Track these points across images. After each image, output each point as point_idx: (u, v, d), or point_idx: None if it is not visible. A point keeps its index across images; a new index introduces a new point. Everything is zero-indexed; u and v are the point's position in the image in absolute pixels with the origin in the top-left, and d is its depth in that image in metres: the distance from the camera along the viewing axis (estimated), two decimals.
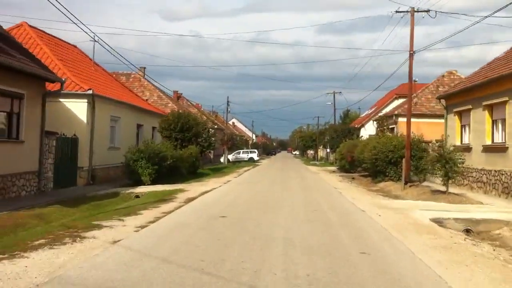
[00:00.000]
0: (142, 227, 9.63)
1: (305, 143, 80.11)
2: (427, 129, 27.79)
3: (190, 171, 30.98)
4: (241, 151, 57.99)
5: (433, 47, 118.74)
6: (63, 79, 18.94)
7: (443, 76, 36.49)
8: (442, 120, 30.33)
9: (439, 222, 11.66)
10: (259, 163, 54.75)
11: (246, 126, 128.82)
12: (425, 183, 22.97)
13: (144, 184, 22.18)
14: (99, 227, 9.49)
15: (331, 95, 56.25)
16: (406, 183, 21.47)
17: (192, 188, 20.34)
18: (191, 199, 15.47)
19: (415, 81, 35.60)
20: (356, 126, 47.99)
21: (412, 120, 23.64)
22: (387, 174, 24.15)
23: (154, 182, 22.58)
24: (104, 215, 11.42)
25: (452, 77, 35.86)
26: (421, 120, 31.35)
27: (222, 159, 51.74)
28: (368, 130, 44.22)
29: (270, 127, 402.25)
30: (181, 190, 18.69)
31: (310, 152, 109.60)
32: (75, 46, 30.27)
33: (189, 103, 61.40)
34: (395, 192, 21.09)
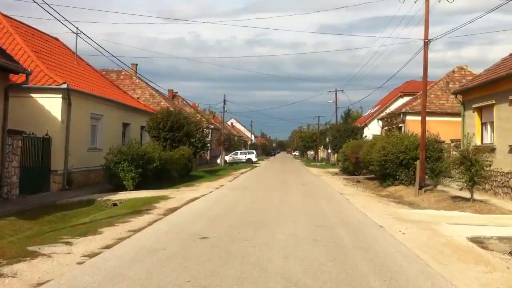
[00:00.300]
0: (92, 255, 7.14)
1: (305, 144, 77.68)
2: (438, 128, 25.23)
3: (182, 173, 28.58)
4: (239, 152, 55.51)
5: (433, 47, 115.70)
6: (29, 71, 16.44)
7: (453, 71, 33.97)
8: (454, 119, 27.91)
9: (479, 242, 9.18)
10: (257, 165, 52.28)
11: (245, 127, 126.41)
12: (439, 187, 20.54)
13: (126, 190, 19.71)
14: (33, 255, 7.01)
15: (332, 94, 53.78)
16: (420, 187, 19.01)
17: (179, 194, 17.86)
18: (172, 209, 12.99)
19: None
20: (359, 125, 45.53)
21: (420, 118, 21.12)
22: (397, 177, 21.70)
23: (138, 187, 20.12)
24: (52, 235, 8.93)
25: (463, 72, 33.38)
26: (431, 118, 28.70)
27: (218, 160, 49.27)
28: (372, 130, 41.79)
29: (270, 127, 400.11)
30: (165, 198, 16.19)
31: (310, 152, 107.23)
32: (56, 39, 27.79)
33: (184, 102, 58.95)
34: (408, 198, 18.65)
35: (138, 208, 13.30)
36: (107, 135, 24.26)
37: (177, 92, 60.77)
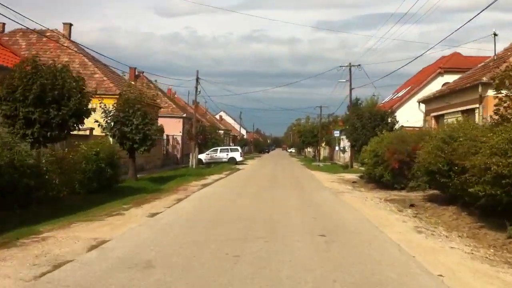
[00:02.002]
0: None
1: (304, 139, 64.31)
2: None
3: (97, 187, 15.52)
4: (219, 148, 42.04)
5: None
6: None
7: None
8: None
9: None
10: (241, 166, 38.82)
11: (235, 120, 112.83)
12: None
13: None
14: None
15: (342, 74, 40.22)
16: None
17: None
18: None
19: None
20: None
21: None
22: None
23: None
24: None
25: None
26: None
27: (191, 159, 35.92)
28: (406, 116, 28.53)
29: (267, 125, 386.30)
30: None
31: (308, 150, 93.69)
32: None
33: (151, 84, 45.36)
34: None
35: None
36: None
37: (143, 72, 47.18)
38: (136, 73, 45.97)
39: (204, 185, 18.99)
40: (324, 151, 66.68)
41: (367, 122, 24.98)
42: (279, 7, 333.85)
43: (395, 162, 18.36)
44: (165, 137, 39.41)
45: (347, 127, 25.99)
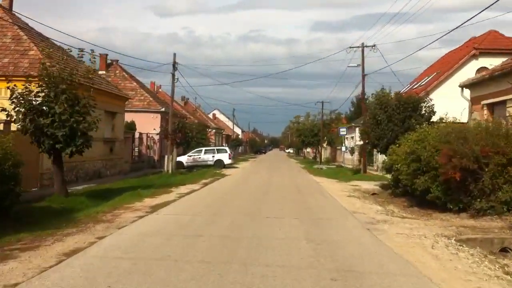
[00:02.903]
0: None
1: (303, 139, 57.53)
2: None
3: None
4: (203, 149, 35.15)
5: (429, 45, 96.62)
6: None
7: None
8: None
9: None
10: (229, 171, 31.94)
11: (231, 121, 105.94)
12: None
13: None
14: None
15: (353, 55, 33.25)
16: None
17: None
18: None
19: None
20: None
21: None
22: None
23: None
24: None
25: None
26: None
27: (166, 162, 29.00)
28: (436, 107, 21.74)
29: (264, 124, 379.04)
30: None
31: (307, 150, 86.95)
32: None
33: (125, 74, 38.51)
34: None
35: None
36: None
37: (117, 61, 40.32)
38: (109, 60, 39.15)
39: (154, 208, 12.01)
40: (325, 152, 59.98)
41: (394, 113, 18.15)
42: (276, 7, 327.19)
43: (455, 171, 11.63)
44: (137, 135, 32.69)
45: (362, 122, 18.81)
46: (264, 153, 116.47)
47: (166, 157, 29.16)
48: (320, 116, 57.72)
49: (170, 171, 28.64)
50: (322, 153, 56.37)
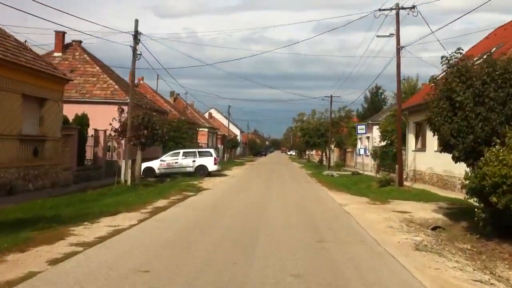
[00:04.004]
0: None
1: (308, 139, 49.14)
2: None
3: None
4: (181, 152, 26.65)
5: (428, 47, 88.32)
6: None
7: None
8: None
9: None
10: (213, 181, 23.28)
11: (232, 122, 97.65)
12: None
13: None
14: None
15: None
16: None
17: None
18: None
19: None
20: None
21: None
22: None
23: None
24: None
25: None
26: None
27: (123, 170, 20.48)
28: None
29: (266, 124, 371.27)
30: None
31: (311, 153, 78.56)
32: None
33: (86, 56, 30.16)
34: None
35: None
36: None
37: (80, 41, 32.10)
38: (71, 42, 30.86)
39: None
40: (332, 155, 51.49)
41: (486, 89, 9.76)
42: (278, 8, 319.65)
43: None
44: (91, 132, 24.46)
45: (435, 107, 10.19)
46: (265, 155, 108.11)
47: (123, 162, 20.82)
48: (328, 114, 49.42)
49: (128, 181, 20.34)
50: (332, 156, 47.98)
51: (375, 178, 26.79)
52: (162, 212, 11.67)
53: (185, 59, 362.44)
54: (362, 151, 28.72)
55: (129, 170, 20.58)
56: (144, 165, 25.79)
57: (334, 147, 50.46)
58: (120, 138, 20.79)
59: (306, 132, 49.65)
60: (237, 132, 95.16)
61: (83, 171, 22.31)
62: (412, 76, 30.27)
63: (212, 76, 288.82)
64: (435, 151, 23.49)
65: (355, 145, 45.24)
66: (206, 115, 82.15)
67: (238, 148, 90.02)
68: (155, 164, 25.82)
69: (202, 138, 53.75)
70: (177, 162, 26.04)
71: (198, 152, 26.77)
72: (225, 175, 28.54)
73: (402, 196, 16.63)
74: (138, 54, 21.66)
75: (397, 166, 20.09)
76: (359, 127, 28.94)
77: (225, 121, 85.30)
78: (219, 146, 65.18)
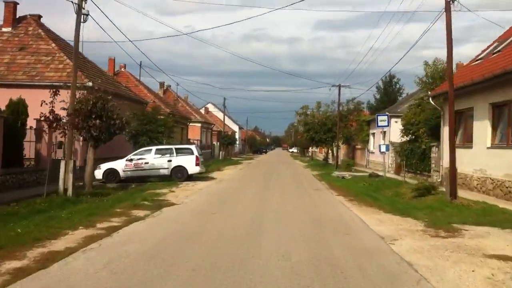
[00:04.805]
0: None
1: (313, 135, 43.12)
2: None
3: None
4: (153, 149, 20.42)
5: (431, 44, 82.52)
6: None
7: None
8: None
9: None
10: (188, 191, 17.02)
11: (231, 118, 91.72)
12: None
13: None
14: None
15: None
16: None
17: None
18: None
19: None
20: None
21: None
22: None
23: None
24: None
25: None
26: None
27: (61, 174, 14.52)
28: None
29: (268, 125, 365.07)
30: None
31: (313, 149, 72.45)
32: None
33: (41, 31, 24.14)
34: None
35: None
36: None
37: (40, 16, 26.17)
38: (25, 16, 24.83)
39: None
40: (341, 153, 45.33)
41: None
42: (279, 6, 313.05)
43: None
44: (31, 124, 18.47)
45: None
46: (265, 152, 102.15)
47: (62, 164, 14.84)
48: (335, 106, 43.37)
49: (69, 190, 14.40)
50: (336, 153, 41.91)
51: (400, 181, 20.85)
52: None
53: (186, 57, 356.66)
54: (383, 148, 22.73)
55: (70, 175, 14.60)
56: (106, 166, 19.88)
57: (342, 143, 44.44)
58: (54, 130, 14.77)
59: (311, 127, 43.58)
60: (235, 128, 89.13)
61: (14, 176, 16.35)
62: (441, 58, 24.17)
63: (213, 73, 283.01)
64: (488, 148, 17.54)
65: (366, 141, 39.24)
66: (203, 110, 76.20)
67: (236, 145, 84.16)
68: (119, 165, 19.80)
69: (194, 134, 47.79)
70: (147, 163, 19.99)
71: (176, 149, 20.62)
72: (212, 178, 22.55)
73: (466, 217, 10.65)
74: (85, 15, 15.55)
75: (444, 167, 14.11)
76: (380, 118, 22.87)
77: (222, 117, 79.21)
78: (214, 143, 59.19)
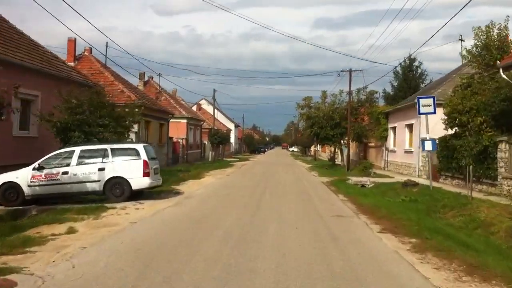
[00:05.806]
0: None
1: (318, 131, 35.63)
2: None
3: None
4: (77, 150, 13.03)
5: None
6: None
7: None
8: None
9: None
10: (102, 234, 9.54)
11: (227, 117, 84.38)
12: None
13: None
14: None
15: None
16: None
17: None
18: None
19: None
20: None
21: None
22: None
23: None
24: None
25: None
26: None
27: None
28: None
29: (267, 124, 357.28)
30: None
31: (315, 148, 64.93)
32: None
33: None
34: None
35: None
36: None
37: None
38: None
39: None
40: (344, 151, 37.79)
41: None
42: (278, 5, 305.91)
43: None
44: None
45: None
46: (263, 152, 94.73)
47: None
48: (343, 97, 35.93)
49: None
50: (347, 152, 34.42)
51: (455, 193, 13.47)
52: None
53: (185, 57, 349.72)
54: (428, 146, 15.35)
55: None
56: (1, 179, 12.43)
57: (352, 141, 37.00)
58: None
59: (315, 121, 36.14)
60: (231, 126, 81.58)
61: None
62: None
63: (213, 72, 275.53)
64: None
65: (384, 138, 31.84)
66: (195, 107, 68.69)
67: (232, 145, 76.70)
68: (22, 177, 12.34)
69: (178, 132, 40.36)
70: (66, 172, 12.52)
71: (111, 149, 12.94)
72: (177, 192, 15.05)
73: None
74: None
75: None
76: (422, 101, 15.35)
77: (218, 115, 71.58)
78: (204, 142, 51.76)
